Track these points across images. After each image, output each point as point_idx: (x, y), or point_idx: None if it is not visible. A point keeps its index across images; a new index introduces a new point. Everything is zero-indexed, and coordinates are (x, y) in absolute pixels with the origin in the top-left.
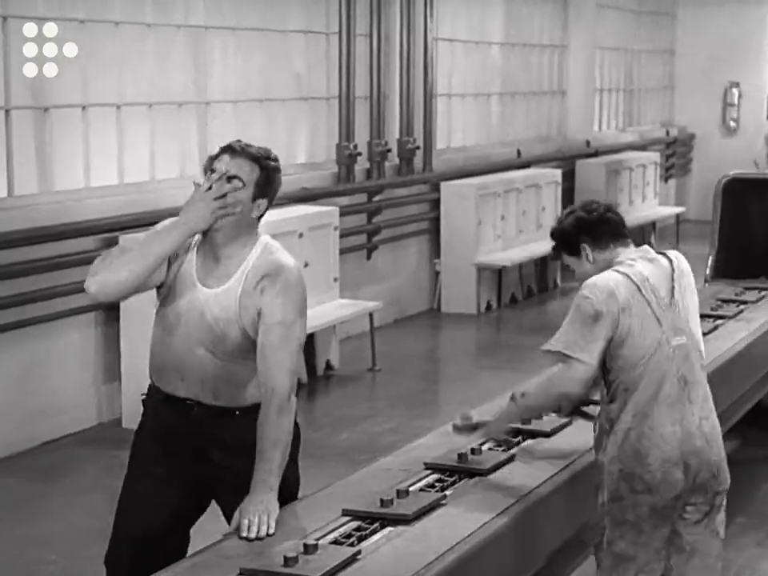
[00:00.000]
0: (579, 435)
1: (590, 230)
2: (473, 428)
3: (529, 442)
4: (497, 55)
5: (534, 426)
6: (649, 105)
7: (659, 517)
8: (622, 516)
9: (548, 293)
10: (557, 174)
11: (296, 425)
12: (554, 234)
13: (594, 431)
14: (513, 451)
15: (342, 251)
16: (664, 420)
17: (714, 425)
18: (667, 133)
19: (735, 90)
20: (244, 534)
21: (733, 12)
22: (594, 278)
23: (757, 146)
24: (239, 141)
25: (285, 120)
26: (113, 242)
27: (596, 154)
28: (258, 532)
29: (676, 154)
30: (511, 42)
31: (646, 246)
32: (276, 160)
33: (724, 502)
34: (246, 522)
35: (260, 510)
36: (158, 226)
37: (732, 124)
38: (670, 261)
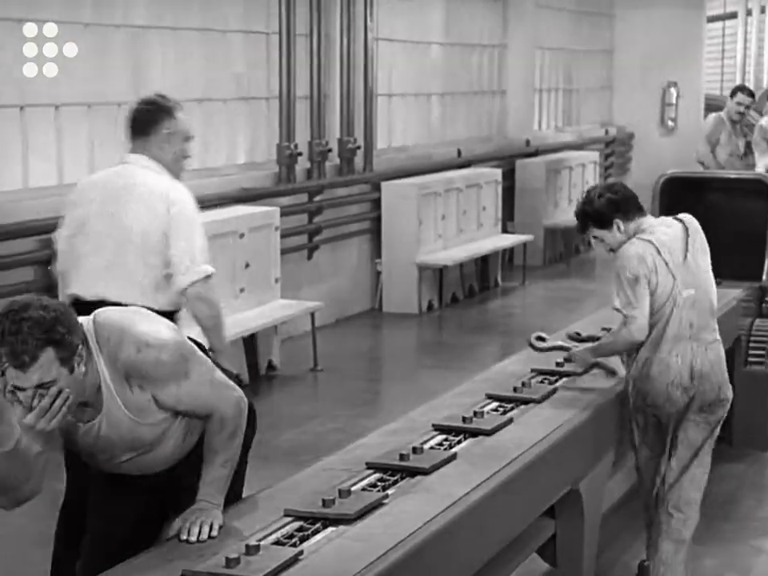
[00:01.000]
0: (520, 433)
1: (620, 207)
2: (549, 348)
3: (470, 440)
4: (437, 55)
5: (475, 424)
6: (588, 104)
7: (667, 424)
8: (643, 421)
9: (489, 292)
10: (497, 173)
11: (254, 422)
12: (587, 214)
13: (623, 359)
14: (454, 450)
15: (283, 251)
16: (670, 353)
17: (718, 353)
18: (606, 132)
19: (673, 90)
20: (184, 537)
21: (670, 12)
22: (624, 249)
23: (696, 146)
24: (8, 321)
25: (225, 120)
26: (51, 244)
27: (536, 153)
28: (199, 534)
29: (615, 154)
30: (451, 41)
31: (663, 217)
32: (52, 313)
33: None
34: (187, 525)
35: (203, 517)
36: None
37: (670, 123)
38: (684, 225)
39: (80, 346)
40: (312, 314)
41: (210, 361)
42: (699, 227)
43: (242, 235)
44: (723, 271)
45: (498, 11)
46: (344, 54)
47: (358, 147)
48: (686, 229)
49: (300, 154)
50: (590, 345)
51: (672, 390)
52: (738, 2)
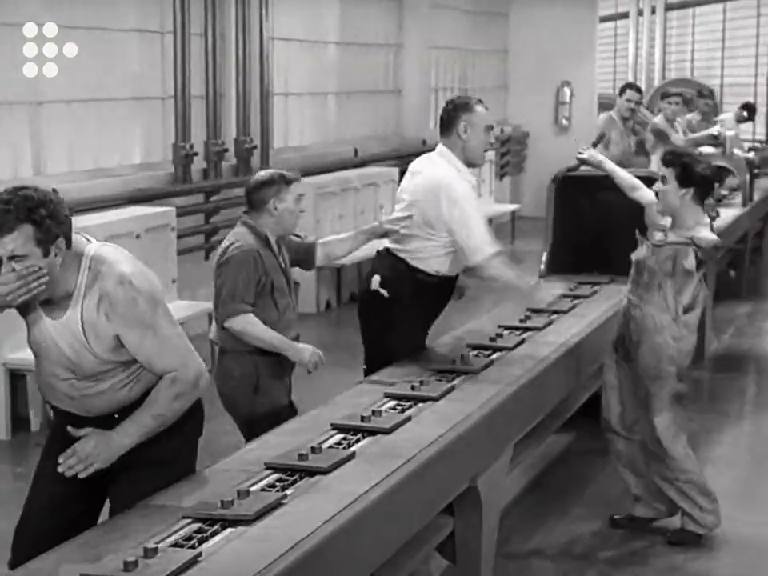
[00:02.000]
0: (418, 431)
1: (710, 187)
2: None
3: (369, 439)
4: (333, 54)
5: (374, 423)
6: None
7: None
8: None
9: None
10: (394, 172)
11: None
12: (695, 174)
13: None
14: (353, 449)
15: (180, 252)
16: None
17: None
18: (501, 131)
19: (567, 89)
20: (61, 461)
21: (563, 12)
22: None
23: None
24: (5, 193)
25: (119, 120)
26: None
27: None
28: (72, 468)
29: (510, 152)
30: (347, 41)
31: None
32: (42, 197)
33: None
34: (77, 456)
35: (96, 453)
36: None
37: (564, 122)
38: None
39: (60, 239)
40: (210, 315)
41: (180, 328)
42: None
43: (137, 236)
44: (617, 267)
45: (394, 11)
46: (239, 54)
47: (255, 147)
48: None
49: (196, 154)
50: None
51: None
52: (629, 2)
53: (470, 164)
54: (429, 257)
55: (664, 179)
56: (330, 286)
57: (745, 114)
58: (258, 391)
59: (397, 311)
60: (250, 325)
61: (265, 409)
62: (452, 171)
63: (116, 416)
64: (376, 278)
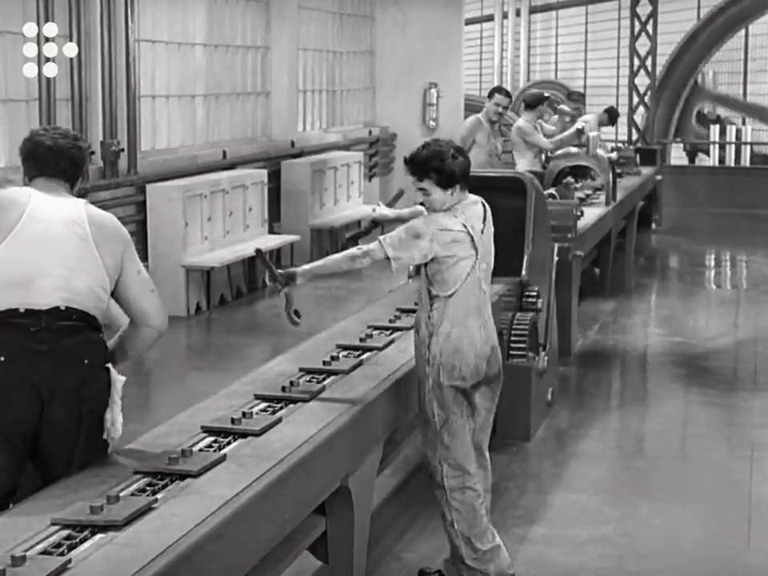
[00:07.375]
0: (289, 432)
1: (466, 175)
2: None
3: (239, 441)
4: (200, 56)
5: (244, 425)
6: (351, 105)
7: (464, 395)
8: (442, 397)
9: (257, 293)
10: (263, 174)
11: None
12: (438, 169)
13: (417, 335)
14: (224, 452)
15: None
16: (475, 325)
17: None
18: (370, 133)
19: (434, 91)
20: None
21: (429, 14)
22: (434, 215)
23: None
24: None
25: None
26: None
27: (301, 154)
28: None
29: (379, 154)
30: (214, 43)
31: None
32: None
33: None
34: None
35: None
36: None
37: (432, 123)
38: (484, 207)
39: None
40: None
41: None
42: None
43: None
44: None
45: (261, 12)
46: (105, 56)
47: (122, 149)
48: (484, 206)
49: None
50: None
51: (479, 363)
52: (494, 5)
53: None
54: None
55: (424, 191)
56: (199, 288)
57: (607, 119)
58: None
59: None
60: None
61: None
62: None
63: None
64: None
